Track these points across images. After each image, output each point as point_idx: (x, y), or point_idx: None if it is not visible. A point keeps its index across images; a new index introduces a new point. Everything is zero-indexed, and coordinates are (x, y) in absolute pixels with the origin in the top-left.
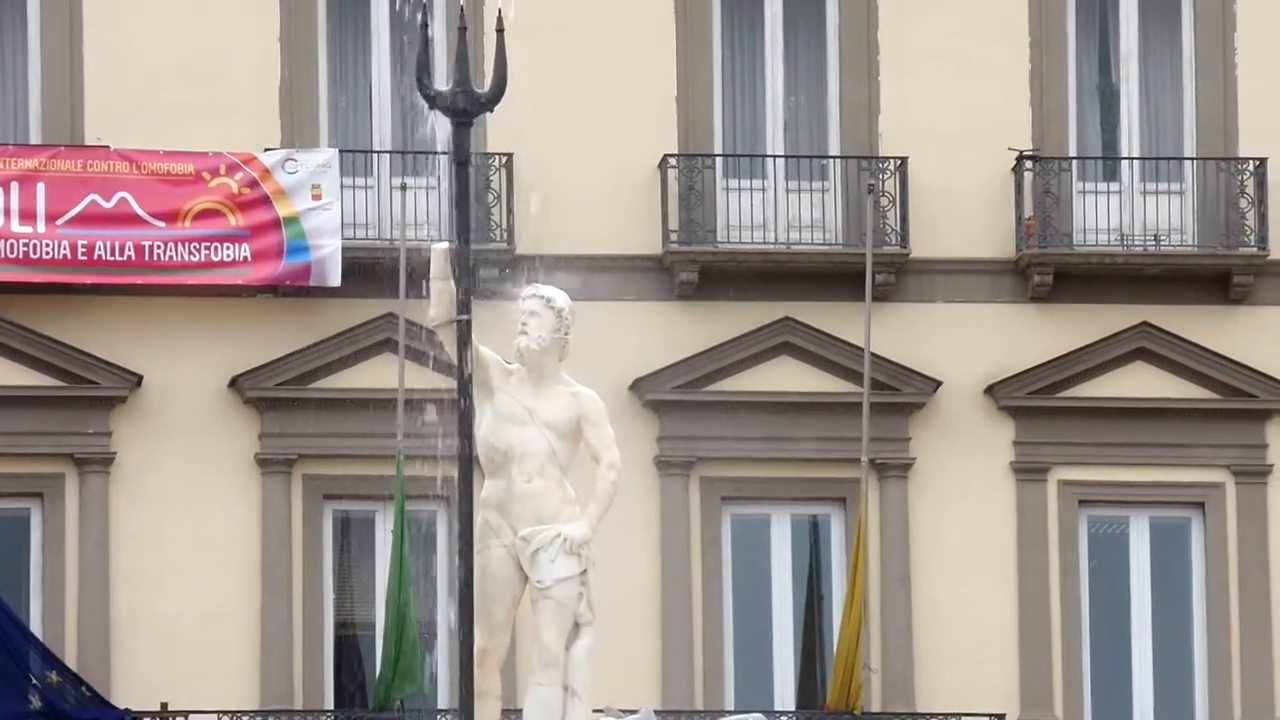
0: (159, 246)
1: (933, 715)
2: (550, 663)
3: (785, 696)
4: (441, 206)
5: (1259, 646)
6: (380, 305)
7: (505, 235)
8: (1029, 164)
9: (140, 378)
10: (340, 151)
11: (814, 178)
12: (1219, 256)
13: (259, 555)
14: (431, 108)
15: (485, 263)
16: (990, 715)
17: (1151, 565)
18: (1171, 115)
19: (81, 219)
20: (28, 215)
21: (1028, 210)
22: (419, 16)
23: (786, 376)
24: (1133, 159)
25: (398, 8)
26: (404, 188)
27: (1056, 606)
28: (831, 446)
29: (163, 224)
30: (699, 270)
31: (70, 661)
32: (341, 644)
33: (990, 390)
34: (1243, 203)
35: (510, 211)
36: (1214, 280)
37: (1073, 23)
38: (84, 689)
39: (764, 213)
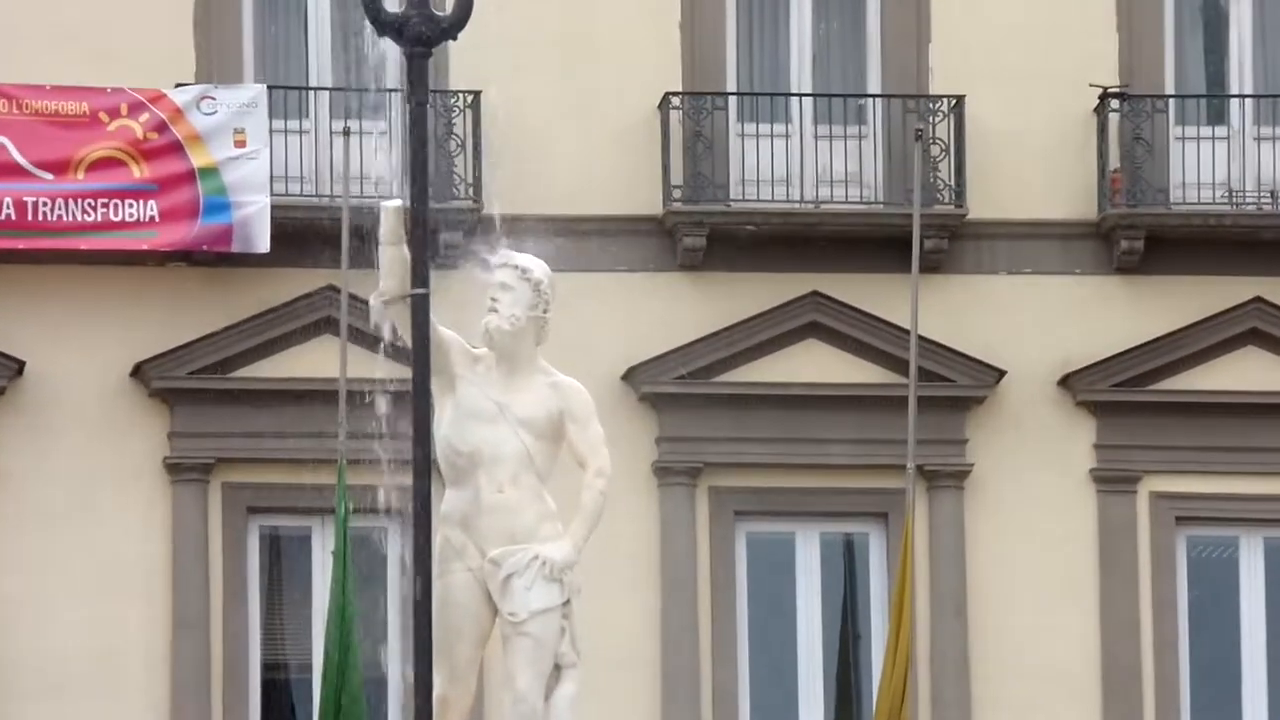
0: (45, 204)
1: None
2: (526, 715)
3: None
4: (393, 156)
5: None
6: (318, 276)
7: (471, 191)
8: (1115, 104)
9: (21, 364)
10: (269, 88)
11: (849, 122)
12: None
13: (169, 581)
14: (381, 35)
15: (447, 224)
16: None
17: (1266, 595)
18: None
19: None
20: None
21: (1113, 161)
22: None
23: (814, 364)
24: (1244, 97)
25: None
26: (347, 133)
27: (1148, 646)
28: (870, 450)
29: (50, 176)
30: (707, 234)
31: None
32: (270, 689)
33: (1066, 382)
34: None
35: (477, 162)
36: None
37: None
38: None
39: (788, 165)
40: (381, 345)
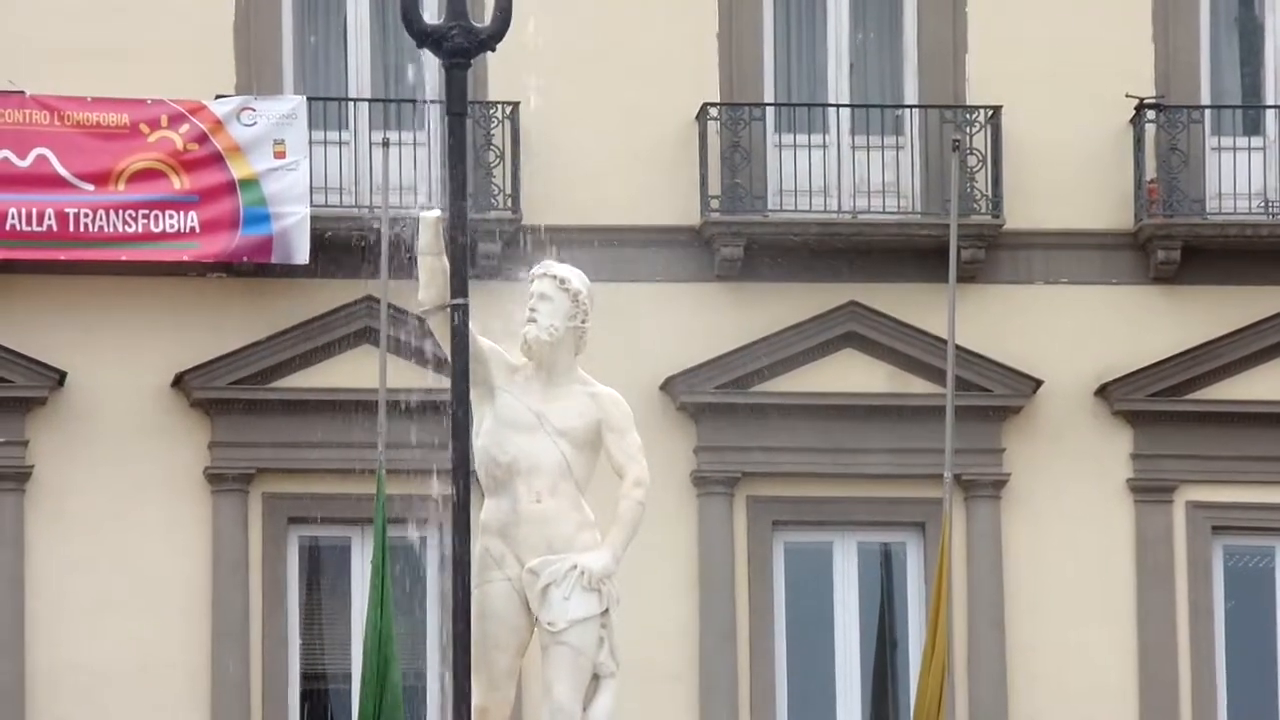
0: (86, 215)
1: None
2: None
3: None
4: (432, 167)
5: None
6: (357, 287)
7: (509, 202)
8: (1151, 114)
9: (63, 375)
10: (308, 100)
11: (886, 132)
12: None
13: (209, 591)
14: (420, 46)
15: (486, 235)
16: None
17: None
18: None
19: None
20: None
21: (1150, 171)
22: None
23: (852, 374)
24: None
25: None
26: (386, 144)
27: (1185, 656)
28: (907, 460)
29: (91, 187)
30: (745, 245)
31: None
32: (309, 699)
33: (1103, 391)
34: None
35: (516, 173)
36: None
37: None
38: None
39: (825, 175)
40: (420, 354)
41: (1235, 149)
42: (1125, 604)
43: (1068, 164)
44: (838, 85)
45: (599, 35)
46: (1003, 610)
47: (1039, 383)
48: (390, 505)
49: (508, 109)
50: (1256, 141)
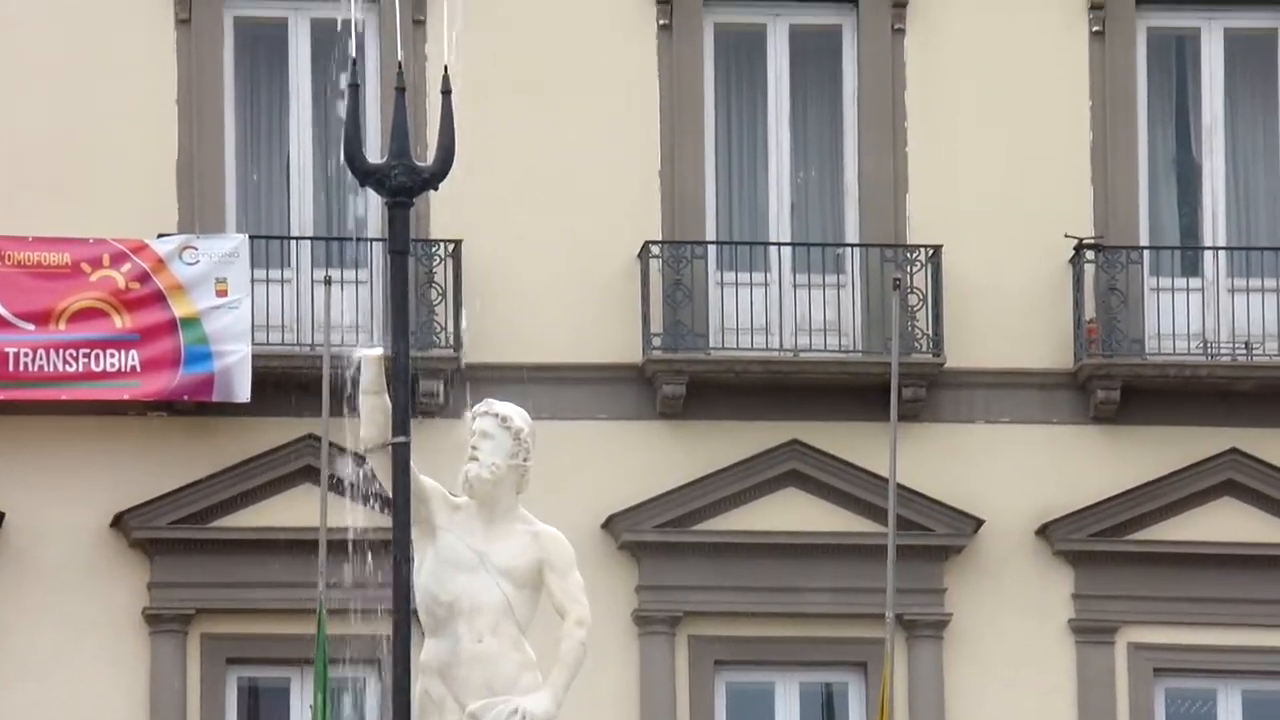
0: (26, 354)
1: None
2: None
3: None
4: (374, 305)
5: None
6: (299, 425)
7: (451, 340)
8: (1090, 254)
9: (1, 515)
10: (250, 238)
11: (828, 270)
12: None
13: None
14: (363, 185)
15: (427, 373)
16: None
17: None
18: (1266, 196)
19: None
20: None
21: (1089, 311)
22: (347, 75)
23: (794, 513)
24: (1218, 249)
25: (321, 65)
26: (328, 282)
27: None
28: (849, 599)
29: (31, 326)
30: (687, 383)
31: None
32: None
33: (1044, 531)
34: None
35: (458, 311)
36: None
37: (1143, 83)
38: None
39: (767, 313)
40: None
41: (1174, 289)
42: None
43: (1008, 303)
44: (779, 224)
45: (542, 173)
46: None
47: (980, 522)
48: (331, 645)
49: (450, 246)
50: (1195, 282)
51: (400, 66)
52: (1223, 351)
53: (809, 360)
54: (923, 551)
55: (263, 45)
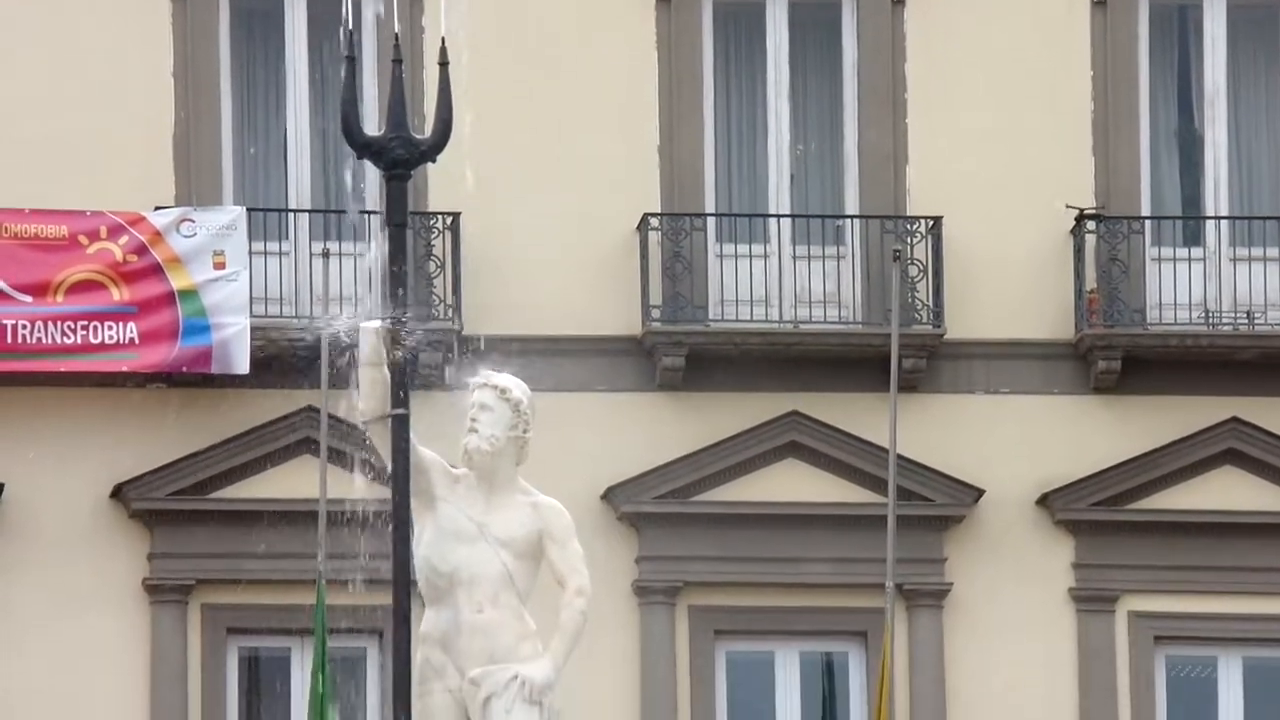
0: (24, 326)
1: None
2: None
3: None
4: (373, 277)
5: None
6: (298, 397)
7: (450, 312)
8: (1091, 225)
9: (1, 486)
10: (248, 210)
11: (827, 242)
12: None
13: (147, 702)
14: (360, 158)
15: (426, 345)
16: None
17: (1246, 716)
18: (1267, 166)
19: None
20: None
21: (1090, 282)
22: (344, 47)
23: (794, 484)
24: (1219, 219)
25: (318, 36)
26: (326, 254)
27: None
28: (849, 569)
29: (29, 299)
30: (686, 354)
31: None
32: None
33: (1044, 501)
34: None
35: (456, 283)
36: None
37: (1145, 52)
38: None
39: (766, 285)
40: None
41: (1175, 260)
42: (1067, 714)
43: (1008, 274)
44: (779, 196)
45: (540, 146)
46: None
47: (980, 492)
48: (330, 615)
49: (448, 219)
50: (1196, 252)
51: (397, 39)
52: (1224, 321)
53: (809, 332)
54: (923, 522)
55: (259, 16)
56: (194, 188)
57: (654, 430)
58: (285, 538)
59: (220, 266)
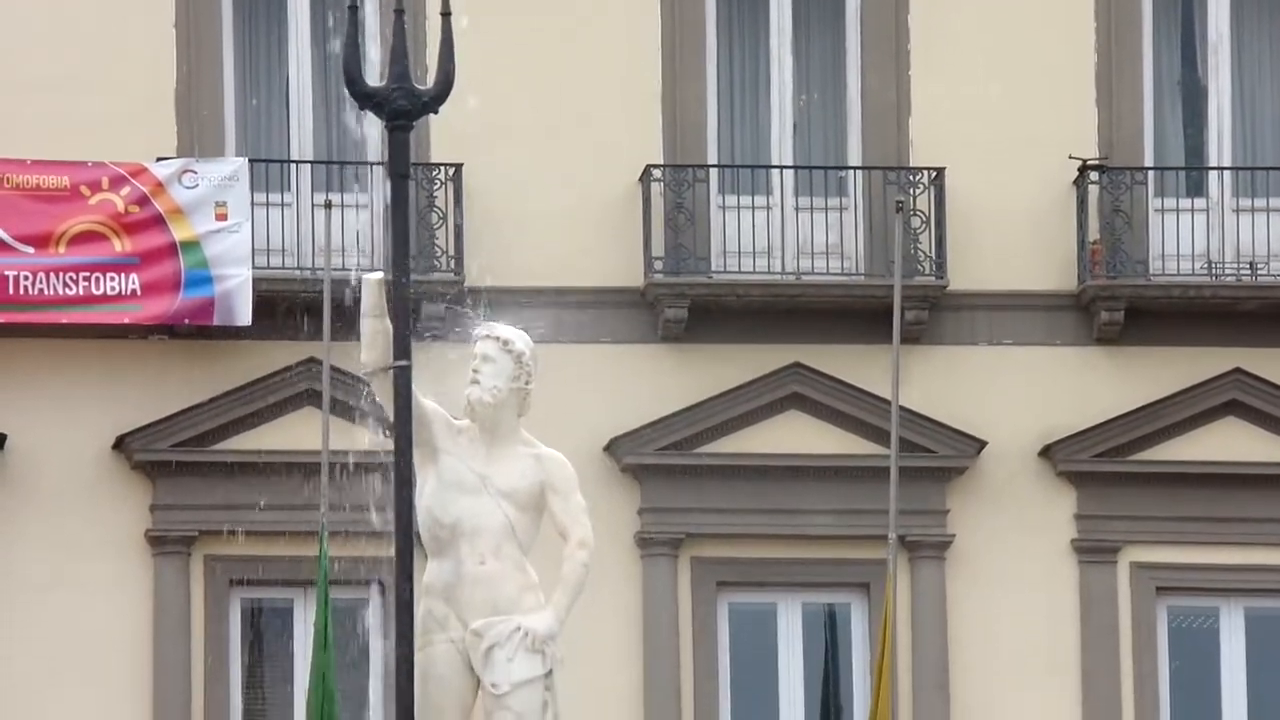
0: (26, 277)
1: None
2: None
3: None
4: (375, 228)
5: None
6: (300, 349)
7: (452, 263)
8: (1094, 176)
9: (3, 438)
10: (250, 161)
11: (830, 194)
12: None
13: (151, 654)
14: (362, 108)
15: (428, 296)
16: None
17: (1248, 666)
18: (1271, 116)
19: None
20: None
21: (1093, 233)
22: None
23: (796, 435)
24: (1223, 170)
25: None
26: (329, 205)
27: (1130, 716)
28: (851, 521)
29: (31, 250)
30: (689, 306)
31: None
32: None
33: (1047, 452)
34: None
35: (459, 235)
36: None
37: (1148, 1)
38: None
39: (769, 236)
40: (362, 416)
41: (1179, 210)
42: (1070, 665)
43: (1011, 225)
44: (781, 147)
45: (542, 97)
46: (947, 671)
47: (983, 444)
48: (333, 567)
49: (450, 170)
50: (1200, 203)
51: None
52: (1227, 272)
53: (811, 283)
54: (925, 473)
55: None
56: (196, 139)
57: (656, 382)
58: (288, 489)
59: (222, 218)
